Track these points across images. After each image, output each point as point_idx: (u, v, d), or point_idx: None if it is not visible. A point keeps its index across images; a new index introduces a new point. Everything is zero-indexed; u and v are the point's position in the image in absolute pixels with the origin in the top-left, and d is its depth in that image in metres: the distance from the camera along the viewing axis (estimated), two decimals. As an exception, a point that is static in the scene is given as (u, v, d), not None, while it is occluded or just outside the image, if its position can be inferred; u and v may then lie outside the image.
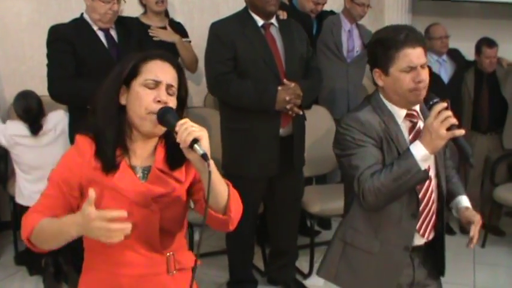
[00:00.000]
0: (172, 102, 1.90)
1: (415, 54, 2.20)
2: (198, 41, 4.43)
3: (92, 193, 1.63)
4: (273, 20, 3.50)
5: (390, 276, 2.35)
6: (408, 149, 2.14)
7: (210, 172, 1.71)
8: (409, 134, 2.29)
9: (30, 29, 4.83)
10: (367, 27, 5.09)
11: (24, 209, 4.02)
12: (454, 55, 5.10)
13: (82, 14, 3.46)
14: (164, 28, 4.22)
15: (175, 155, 1.93)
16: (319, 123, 4.33)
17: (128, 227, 1.64)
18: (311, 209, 3.96)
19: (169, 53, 2.02)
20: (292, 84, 3.37)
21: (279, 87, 3.35)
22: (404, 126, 2.29)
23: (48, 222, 1.81)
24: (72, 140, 3.56)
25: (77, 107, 3.43)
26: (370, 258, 2.35)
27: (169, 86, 1.90)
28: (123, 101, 1.92)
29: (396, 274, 2.35)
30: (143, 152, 1.96)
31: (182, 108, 1.97)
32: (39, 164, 4.01)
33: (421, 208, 2.29)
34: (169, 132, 1.89)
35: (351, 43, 4.82)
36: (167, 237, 1.97)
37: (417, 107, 2.32)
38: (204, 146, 1.71)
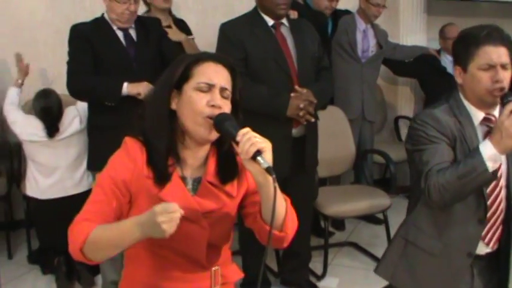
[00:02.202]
0: (227, 106, 1.80)
1: (495, 53, 2.14)
2: (212, 39, 4.37)
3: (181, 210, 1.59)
4: (284, 20, 3.45)
5: (449, 282, 2.28)
6: (477, 147, 2.07)
7: (275, 188, 1.61)
8: (484, 138, 2.19)
9: (43, 27, 4.82)
10: (381, 27, 5.06)
11: (39, 202, 4.08)
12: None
13: (103, 13, 3.47)
14: (169, 27, 4.16)
15: (227, 168, 1.84)
16: (333, 124, 4.29)
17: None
18: (325, 211, 3.92)
19: (222, 54, 1.93)
20: (305, 91, 3.31)
21: (292, 94, 3.29)
22: (480, 130, 2.23)
23: (104, 228, 1.70)
24: (91, 137, 3.67)
25: (95, 103, 3.46)
26: (431, 260, 2.29)
27: (223, 89, 1.80)
28: (173, 106, 1.82)
29: (455, 281, 2.28)
30: (194, 162, 1.86)
31: (237, 113, 1.86)
32: (54, 164, 4.02)
33: (488, 214, 2.22)
34: (222, 140, 1.81)
35: (366, 43, 4.80)
36: (213, 252, 1.89)
37: (496, 112, 2.24)
38: (267, 159, 1.61)
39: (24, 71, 4.25)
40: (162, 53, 3.48)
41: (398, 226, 2.50)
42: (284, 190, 3.46)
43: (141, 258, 1.86)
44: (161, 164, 1.79)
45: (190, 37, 4.34)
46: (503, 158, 2.18)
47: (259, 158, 1.60)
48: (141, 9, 4.18)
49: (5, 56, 4.70)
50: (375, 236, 4.70)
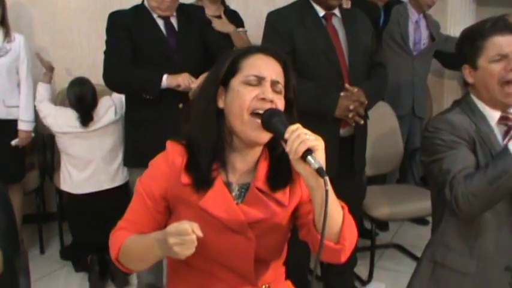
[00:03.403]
0: (280, 102, 1.63)
1: (505, 41, 2.00)
2: (254, 29, 4.21)
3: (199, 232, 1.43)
4: (336, 10, 3.18)
5: None
6: (505, 147, 1.89)
7: (327, 191, 1.42)
8: (504, 138, 2.04)
9: (78, 15, 4.67)
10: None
11: (72, 197, 3.95)
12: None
13: (143, 1, 3.27)
14: (219, 17, 3.99)
15: (279, 173, 1.65)
16: (381, 121, 4.04)
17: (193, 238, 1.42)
18: (372, 212, 3.69)
19: (272, 46, 1.77)
20: (356, 90, 3.05)
21: (342, 93, 3.04)
22: (498, 130, 2.05)
23: (134, 240, 1.61)
24: (127, 132, 3.49)
25: (133, 96, 3.27)
26: (465, 280, 2.06)
27: (274, 83, 1.63)
28: (221, 104, 1.65)
29: None
30: (243, 166, 1.68)
31: (291, 113, 1.69)
32: (88, 157, 3.88)
33: None
34: (275, 143, 1.63)
35: (418, 35, 4.56)
36: (263, 267, 1.71)
37: None
38: (319, 158, 1.44)
39: (49, 68, 4.13)
40: (205, 43, 3.26)
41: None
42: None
43: (183, 273, 1.71)
44: (203, 168, 1.62)
45: (240, 29, 4.13)
46: None
47: (309, 157, 1.43)
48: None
49: (41, 43, 4.58)
50: (420, 237, 4.45)
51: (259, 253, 1.67)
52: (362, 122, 3.12)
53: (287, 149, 1.46)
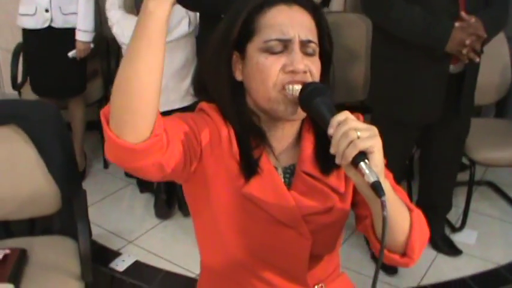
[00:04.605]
0: (315, 67, 1.24)
1: None
2: None
3: None
4: None
5: None
6: None
7: (385, 217, 1.03)
8: None
9: None
10: None
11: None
12: None
13: None
14: None
15: (329, 150, 1.18)
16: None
17: None
18: (474, 155, 3.21)
19: None
20: (473, 20, 2.54)
21: (456, 24, 2.54)
22: None
23: None
24: (199, 50, 3.08)
25: (206, 14, 2.89)
26: None
27: (305, 43, 1.23)
28: (238, 76, 1.28)
29: None
30: (281, 143, 1.32)
31: (328, 70, 1.32)
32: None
33: None
34: None
35: None
36: (316, 264, 1.38)
37: None
38: (375, 164, 1.04)
39: None
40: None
41: None
42: (429, 137, 2.89)
43: (223, 270, 1.37)
44: (247, 149, 1.27)
45: None
46: None
47: (362, 164, 1.04)
48: None
49: None
50: (517, 176, 4.03)
51: (314, 250, 1.33)
52: (478, 59, 2.63)
53: (332, 150, 1.07)
